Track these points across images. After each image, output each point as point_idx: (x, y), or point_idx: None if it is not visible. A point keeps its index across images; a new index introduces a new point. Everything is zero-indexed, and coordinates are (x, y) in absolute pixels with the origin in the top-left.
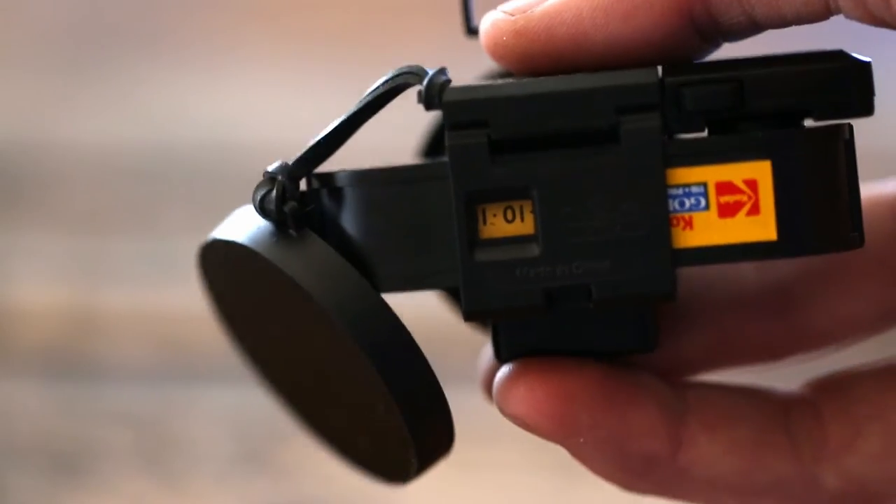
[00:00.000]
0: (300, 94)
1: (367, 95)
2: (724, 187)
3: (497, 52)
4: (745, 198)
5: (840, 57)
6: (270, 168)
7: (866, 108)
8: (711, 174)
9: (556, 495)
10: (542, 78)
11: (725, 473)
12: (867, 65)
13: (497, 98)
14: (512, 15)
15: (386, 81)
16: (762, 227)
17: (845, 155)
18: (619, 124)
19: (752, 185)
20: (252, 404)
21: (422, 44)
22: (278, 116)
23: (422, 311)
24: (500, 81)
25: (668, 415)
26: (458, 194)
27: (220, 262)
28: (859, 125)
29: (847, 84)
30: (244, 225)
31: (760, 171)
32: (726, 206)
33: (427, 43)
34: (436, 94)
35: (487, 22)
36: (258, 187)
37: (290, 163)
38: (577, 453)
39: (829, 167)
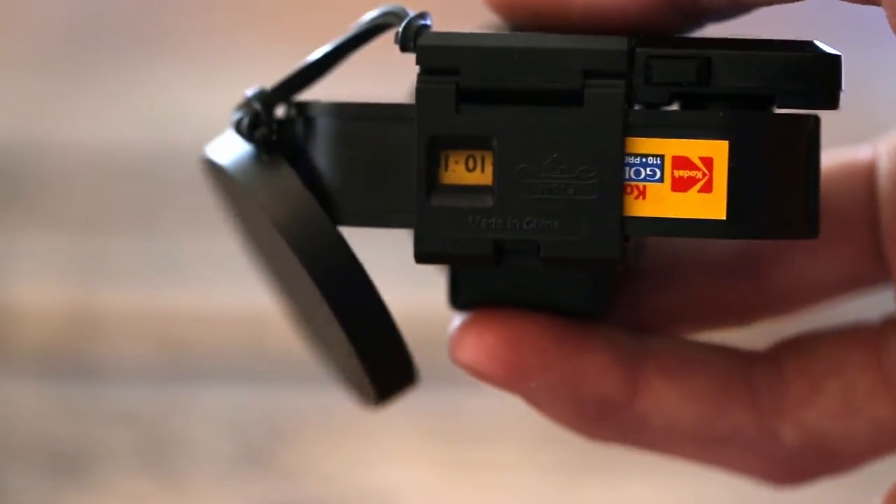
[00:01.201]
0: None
1: (350, 32)
2: (681, 162)
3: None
4: (699, 174)
5: (810, 47)
6: (248, 92)
7: (831, 102)
8: (669, 147)
9: (557, 495)
10: (517, 33)
11: (683, 420)
12: (836, 58)
13: (469, 48)
14: None
15: (368, 20)
16: (712, 206)
17: (806, 145)
18: (585, 87)
19: (708, 162)
20: (252, 404)
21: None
22: None
23: (421, 311)
24: (476, 32)
25: (623, 358)
26: (420, 138)
27: (213, 176)
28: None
29: (813, 74)
30: (230, 145)
31: (717, 150)
32: (680, 181)
33: None
34: (412, 36)
35: None
36: (236, 109)
37: (265, 93)
38: (531, 400)
39: (788, 155)
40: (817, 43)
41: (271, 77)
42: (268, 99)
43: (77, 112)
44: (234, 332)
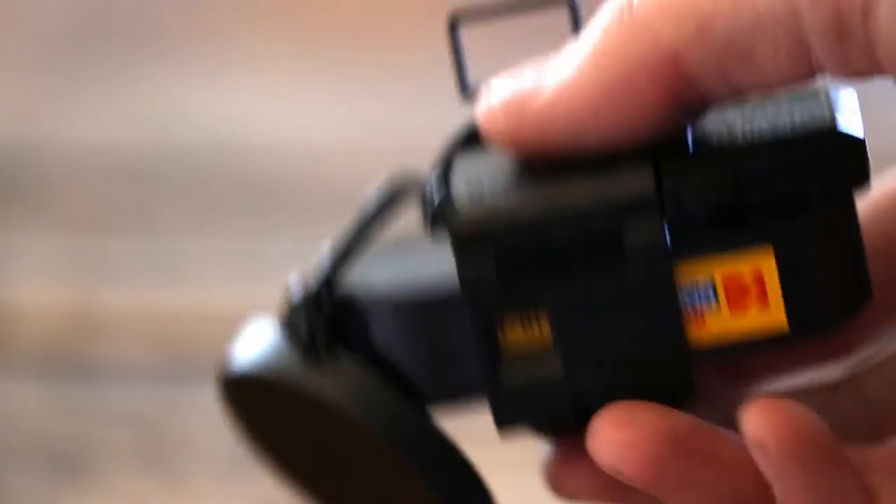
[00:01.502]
0: (300, 94)
1: (365, 211)
2: (731, 279)
3: (495, 141)
4: (752, 287)
5: (833, 136)
6: (293, 291)
7: (863, 183)
8: (717, 267)
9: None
10: (543, 189)
11: None
12: (861, 142)
13: (502, 223)
14: (506, 117)
15: (380, 198)
16: (772, 316)
17: (846, 227)
18: (623, 237)
19: (758, 274)
20: None
21: (422, 44)
22: (278, 116)
23: None
24: (502, 203)
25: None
26: (474, 322)
27: (246, 392)
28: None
29: (842, 165)
30: (266, 353)
31: (764, 260)
32: (735, 298)
33: (427, 43)
34: (441, 219)
35: (483, 112)
36: (286, 314)
37: (311, 287)
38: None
39: (832, 245)
40: (839, 127)
41: (271, 77)
42: (316, 299)
43: (77, 112)
44: (234, 331)
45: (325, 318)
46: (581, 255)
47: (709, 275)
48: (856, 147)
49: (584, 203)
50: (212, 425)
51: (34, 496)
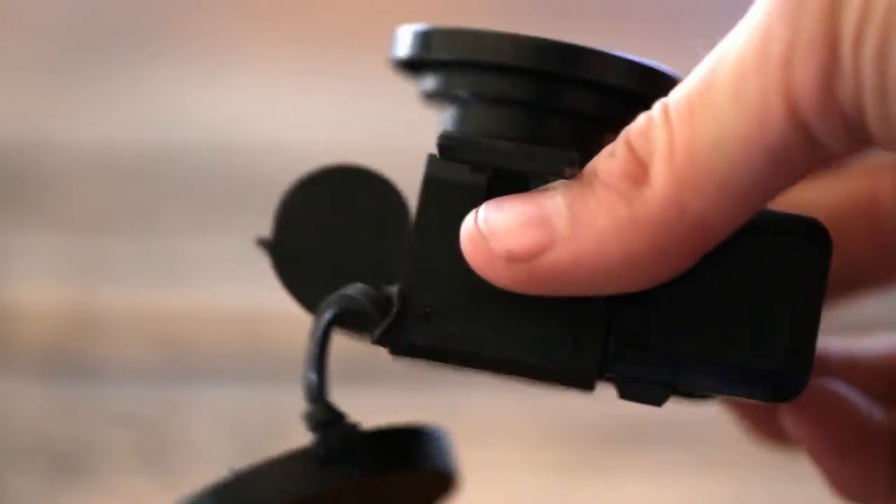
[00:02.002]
0: (300, 94)
1: (315, 336)
2: None
3: (485, 275)
4: None
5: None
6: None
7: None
8: None
9: (556, 495)
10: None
11: None
12: (798, 381)
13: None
14: (512, 265)
15: (326, 321)
16: None
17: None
18: None
19: None
20: (252, 404)
21: None
22: (278, 116)
23: None
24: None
25: None
26: None
27: None
28: None
29: (767, 390)
30: (288, 479)
31: None
32: None
33: None
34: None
35: (480, 254)
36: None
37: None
38: None
39: None
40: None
41: (271, 77)
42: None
43: (77, 112)
44: (234, 332)
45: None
46: None
47: None
48: (782, 379)
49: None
50: (212, 425)
51: (34, 496)
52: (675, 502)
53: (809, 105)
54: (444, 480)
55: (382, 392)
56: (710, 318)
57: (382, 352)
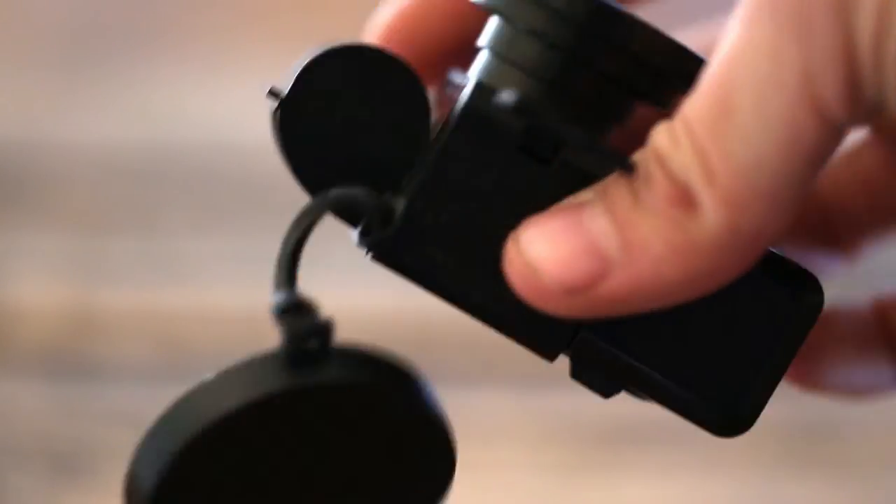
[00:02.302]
0: None
1: (300, 219)
2: None
3: (541, 307)
4: None
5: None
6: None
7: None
8: None
9: (556, 495)
10: None
11: None
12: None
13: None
14: (569, 296)
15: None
16: None
17: None
18: None
19: None
20: None
21: None
22: None
23: (420, 311)
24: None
25: None
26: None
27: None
28: None
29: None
30: (251, 380)
31: None
32: None
33: None
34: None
35: (521, 280)
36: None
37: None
38: None
39: None
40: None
41: (271, 77)
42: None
43: (77, 111)
44: (234, 332)
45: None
46: None
47: None
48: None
49: None
50: None
51: (34, 496)
52: (675, 502)
53: (838, 111)
54: (441, 449)
55: None
56: (683, 337)
57: None
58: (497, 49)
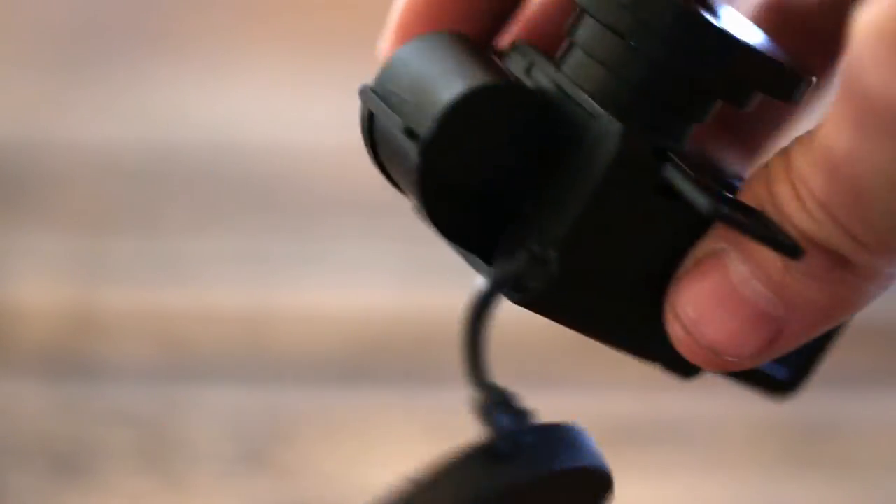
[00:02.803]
0: (300, 94)
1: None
2: None
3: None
4: None
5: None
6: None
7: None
8: None
9: None
10: None
11: None
12: None
13: None
14: (761, 350)
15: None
16: None
17: None
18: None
19: None
20: (252, 404)
21: None
22: (278, 116)
23: (420, 311)
24: None
25: None
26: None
27: None
28: None
29: None
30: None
31: None
32: None
33: None
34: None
35: (701, 360)
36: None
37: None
38: None
39: None
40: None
41: (271, 77)
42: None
43: (77, 111)
44: (234, 332)
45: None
46: None
47: None
48: None
49: None
50: (212, 425)
51: (35, 496)
52: (675, 502)
53: None
54: (604, 481)
55: (382, 392)
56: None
57: (382, 351)
58: (585, 46)
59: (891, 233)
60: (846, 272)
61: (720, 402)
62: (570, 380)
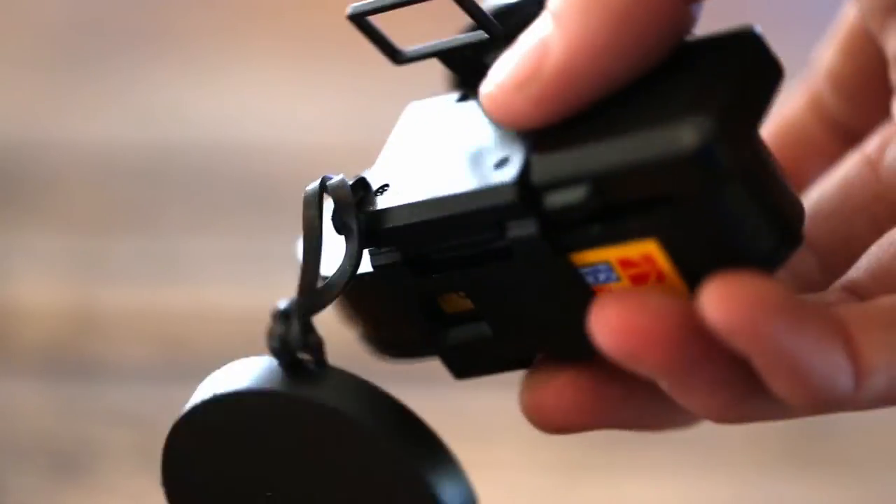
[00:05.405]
0: (300, 94)
1: (309, 220)
2: (626, 263)
3: (512, 121)
4: (648, 269)
5: (679, 144)
6: (281, 306)
7: (716, 194)
8: (610, 254)
9: (556, 494)
10: (428, 199)
11: None
12: (711, 148)
13: (396, 227)
14: (520, 87)
15: (312, 194)
16: (674, 289)
17: (728, 193)
18: (504, 239)
19: (648, 259)
20: None
21: (421, 44)
22: (278, 116)
23: None
24: (398, 205)
25: None
26: (409, 300)
27: (207, 428)
28: None
29: (691, 176)
30: (245, 375)
31: (651, 247)
32: (636, 277)
33: (426, 43)
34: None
35: (492, 95)
36: (273, 330)
37: (298, 301)
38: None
39: (715, 221)
40: (689, 135)
41: (271, 77)
42: (307, 309)
43: (77, 111)
44: (234, 331)
45: (304, 332)
46: (474, 251)
47: (604, 259)
48: (706, 155)
49: (459, 210)
50: None
51: (34, 495)
52: (675, 502)
53: None
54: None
55: None
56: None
57: None
58: None
59: None
60: None
61: None
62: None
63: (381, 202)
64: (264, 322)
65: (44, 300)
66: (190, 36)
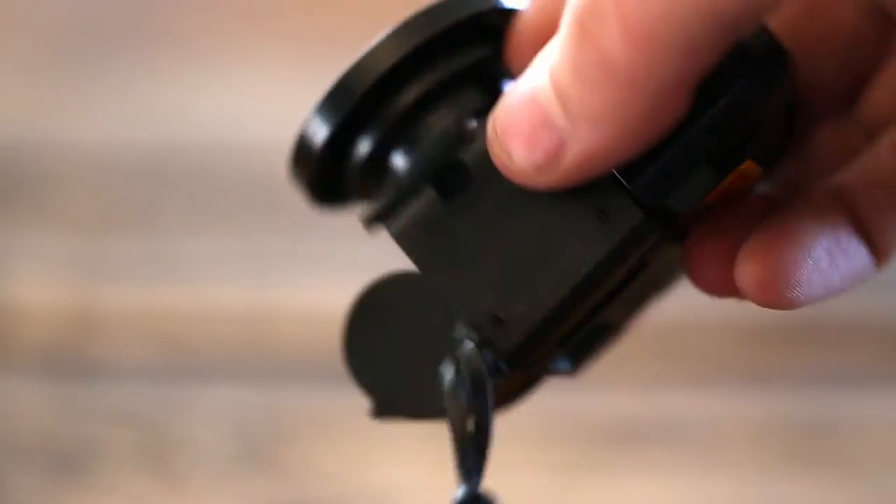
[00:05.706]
0: (300, 94)
1: None
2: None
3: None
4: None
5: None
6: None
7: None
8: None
9: (557, 494)
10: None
11: None
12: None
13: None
14: (540, 171)
15: None
16: (752, 171)
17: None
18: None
19: (744, 174)
20: (252, 404)
21: None
22: (278, 116)
23: None
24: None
25: None
26: None
27: None
28: None
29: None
30: None
31: (747, 166)
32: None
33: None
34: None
35: (511, 168)
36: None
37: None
38: None
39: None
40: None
41: (271, 77)
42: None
43: (77, 111)
44: (235, 331)
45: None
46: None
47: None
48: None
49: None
50: (212, 424)
51: (35, 495)
52: (675, 502)
53: None
54: None
55: None
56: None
57: None
58: None
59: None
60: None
61: (720, 401)
62: (570, 380)
63: (511, 331)
64: (264, 322)
65: (44, 300)
66: (190, 36)
